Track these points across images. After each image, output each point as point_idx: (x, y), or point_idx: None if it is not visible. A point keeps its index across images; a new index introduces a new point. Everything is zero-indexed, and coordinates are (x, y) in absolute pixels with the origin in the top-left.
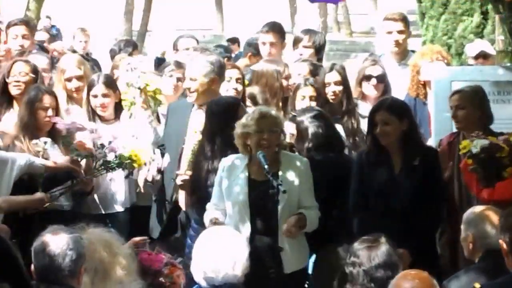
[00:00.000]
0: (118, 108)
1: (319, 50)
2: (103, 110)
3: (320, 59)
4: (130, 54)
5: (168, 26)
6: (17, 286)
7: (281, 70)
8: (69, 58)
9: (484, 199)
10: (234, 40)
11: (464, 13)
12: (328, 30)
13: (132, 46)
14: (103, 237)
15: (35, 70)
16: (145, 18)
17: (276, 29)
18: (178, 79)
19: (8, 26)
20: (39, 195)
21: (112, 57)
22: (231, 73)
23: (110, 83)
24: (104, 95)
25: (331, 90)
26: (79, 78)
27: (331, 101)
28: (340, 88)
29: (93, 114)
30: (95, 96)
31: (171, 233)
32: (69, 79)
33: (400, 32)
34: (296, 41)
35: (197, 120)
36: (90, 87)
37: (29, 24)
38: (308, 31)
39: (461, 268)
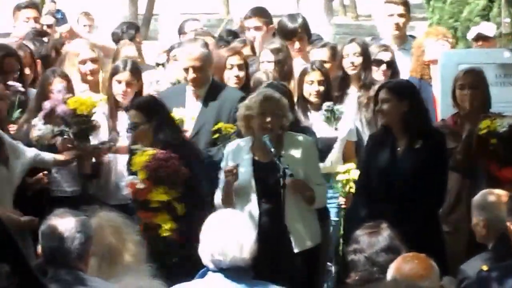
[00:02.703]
0: (138, 97)
1: (308, 31)
2: (124, 97)
3: (309, 39)
4: (133, 37)
5: (173, 10)
6: (15, 266)
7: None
8: (81, 42)
9: (508, 177)
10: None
11: None
12: (334, 13)
13: (135, 29)
14: (113, 221)
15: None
16: (150, 2)
17: (258, 12)
18: None
19: (19, 8)
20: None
21: (115, 41)
22: (231, 60)
23: (136, 71)
24: (128, 83)
25: (350, 61)
26: (94, 60)
27: (349, 73)
28: (360, 59)
29: (114, 100)
30: (119, 82)
31: None
32: (83, 62)
33: (400, 15)
34: (292, 33)
35: (195, 106)
36: (115, 72)
37: (38, 7)
38: (294, 19)
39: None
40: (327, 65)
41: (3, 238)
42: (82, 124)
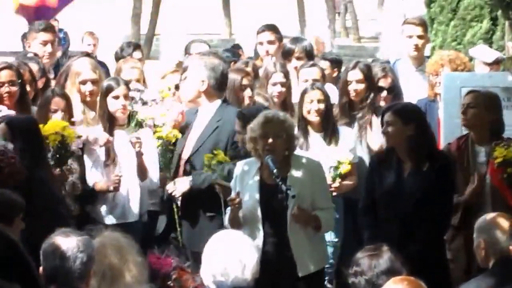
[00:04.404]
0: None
1: (311, 55)
2: (124, 112)
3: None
4: (130, 54)
5: (176, 30)
6: (27, 287)
7: (270, 73)
8: (84, 61)
9: None
10: (237, 46)
11: (474, 19)
12: (336, 35)
13: (133, 46)
14: (117, 241)
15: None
16: (152, 22)
17: (271, 28)
18: None
19: (36, 30)
20: None
21: (117, 60)
22: (245, 81)
23: (128, 86)
24: (126, 97)
25: (353, 88)
26: (94, 82)
27: (352, 98)
28: (362, 86)
29: (108, 119)
30: (117, 98)
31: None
32: (83, 82)
33: (419, 37)
34: (288, 53)
35: (200, 125)
36: (110, 90)
37: (55, 30)
38: (295, 40)
39: (474, 274)
40: None
41: (16, 258)
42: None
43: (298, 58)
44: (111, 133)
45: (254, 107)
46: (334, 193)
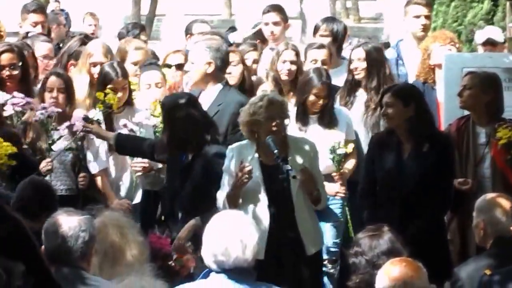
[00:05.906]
0: (128, 95)
1: (337, 38)
2: (119, 103)
3: (340, 47)
4: (137, 36)
5: (176, 11)
6: (31, 266)
7: (280, 50)
8: (98, 44)
9: None
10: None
11: (474, 0)
12: (336, 16)
13: (140, 28)
14: (118, 221)
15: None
16: (153, 2)
17: (277, 8)
18: None
19: (27, 11)
20: None
21: (120, 40)
22: (232, 57)
23: (126, 74)
24: (123, 89)
25: (355, 66)
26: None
27: (356, 77)
28: (364, 64)
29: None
30: (115, 91)
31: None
32: (94, 64)
33: (427, 17)
34: (315, 30)
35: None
36: (108, 81)
37: (45, 11)
38: (326, 20)
39: (471, 255)
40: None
41: (20, 237)
42: None
43: (322, 36)
44: (109, 118)
45: (174, 95)
46: (340, 182)
